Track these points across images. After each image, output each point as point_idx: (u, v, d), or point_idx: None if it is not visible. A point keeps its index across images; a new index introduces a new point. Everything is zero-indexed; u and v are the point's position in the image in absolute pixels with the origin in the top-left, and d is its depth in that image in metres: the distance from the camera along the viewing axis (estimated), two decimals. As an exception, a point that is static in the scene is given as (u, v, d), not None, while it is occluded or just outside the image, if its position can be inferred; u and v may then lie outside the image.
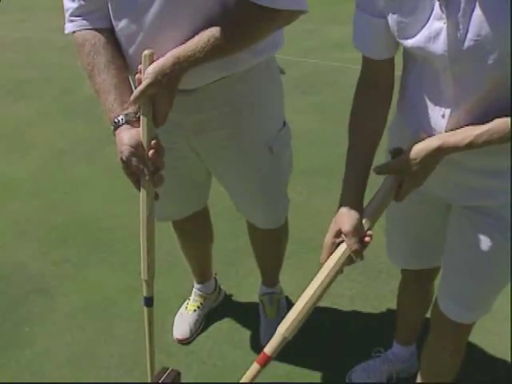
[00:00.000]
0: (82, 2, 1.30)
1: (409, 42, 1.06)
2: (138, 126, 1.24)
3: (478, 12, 0.93)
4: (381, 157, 1.27)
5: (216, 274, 2.23)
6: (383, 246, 1.58)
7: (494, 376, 1.83)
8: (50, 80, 4.79)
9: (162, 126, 1.25)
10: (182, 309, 2.15)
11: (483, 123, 1.03)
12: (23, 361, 2.01)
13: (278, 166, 1.63)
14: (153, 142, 1.23)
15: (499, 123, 1.02)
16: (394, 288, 1.82)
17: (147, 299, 1.38)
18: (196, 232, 1.99)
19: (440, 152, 1.07)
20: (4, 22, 6.79)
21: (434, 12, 0.99)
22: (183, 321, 2.09)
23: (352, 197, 1.15)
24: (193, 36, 1.21)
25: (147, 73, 1.19)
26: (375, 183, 1.19)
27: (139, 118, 1.24)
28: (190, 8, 1.22)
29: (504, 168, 1.14)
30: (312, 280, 1.12)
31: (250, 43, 1.29)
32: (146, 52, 1.20)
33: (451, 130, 1.08)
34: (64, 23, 1.35)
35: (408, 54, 1.15)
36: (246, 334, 2.07)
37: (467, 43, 0.97)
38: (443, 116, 1.10)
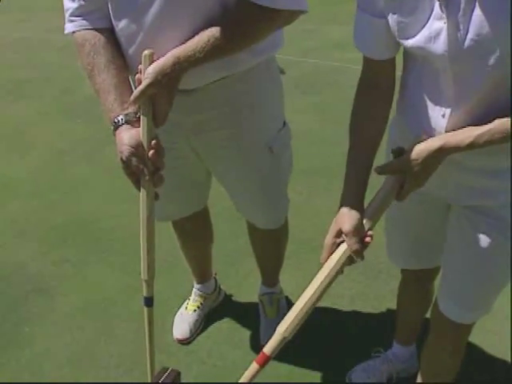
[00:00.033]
0: (82, 2, 1.30)
1: (409, 42, 1.06)
2: (138, 126, 1.24)
3: (477, 12, 0.93)
4: (381, 157, 1.27)
5: (216, 274, 2.23)
6: (383, 246, 1.58)
7: (493, 376, 1.83)
8: (49, 80, 4.79)
9: (162, 126, 1.25)
10: (182, 309, 2.15)
11: (484, 123, 1.03)
12: (23, 361, 2.01)
13: (277, 166, 1.63)
14: (153, 142, 1.23)
15: (500, 123, 1.02)
16: (393, 288, 1.82)
17: (147, 299, 1.38)
18: (196, 232, 1.99)
19: (442, 152, 1.07)
20: (4, 22, 6.79)
21: (434, 12, 0.99)
22: (183, 321, 2.09)
23: (353, 197, 1.15)
24: (193, 36, 1.21)
25: (147, 73, 1.19)
26: (376, 183, 1.19)
27: (139, 118, 1.24)
28: (190, 8, 1.22)
29: (504, 168, 1.14)
30: (312, 280, 1.12)
31: (250, 43, 1.28)
32: (146, 52, 1.20)
33: (451, 130, 1.09)
34: (64, 23, 1.35)
35: (408, 54, 1.15)
36: (246, 333, 2.07)
37: (467, 43, 0.97)
38: (443, 116, 1.10)
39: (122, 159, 1.25)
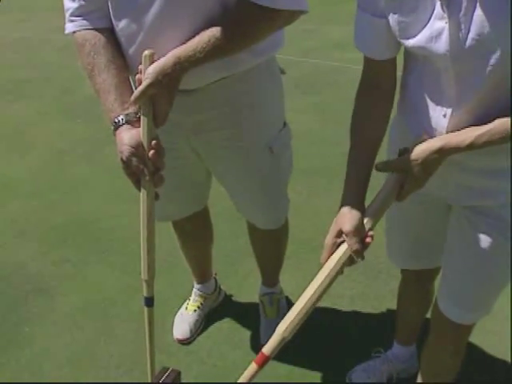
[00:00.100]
0: (83, 2, 1.30)
1: (410, 42, 1.06)
2: (139, 126, 1.24)
3: (479, 11, 0.93)
4: (382, 157, 1.27)
5: (216, 274, 2.23)
6: (383, 246, 1.58)
7: (493, 376, 1.83)
8: (49, 80, 4.79)
9: (162, 126, 1.25)
10: (182, 309, 2.15)
11: (485, 123, 1.03)
12: (23, 361, 2.01)
13: (278, 166, 1.63)
14: (153, 142, 1.23)
15: (500, 123, 1.02)
16: (393, 288, 1.82)
17: (147, 299, 1.38)
18: (196, 232, 1.99)
19: (442, 153, 1.07)
20: (4, 22, 6.79)
21: (435, 12, 0.99)
22: (183, 321, 2.09)
23: (353, 197, 1.15)
24: (193, 36, 1.21)
25: (147, 73, 1.18)
26: (376, 184, 1.19)
27: (139, 118, 1.24)
28: (191, 8, 1.22)
29: (504, 168, 1.14)
30: (312, 280, 1.12)
31: (250, 43, 1.28)
32: (147, 52, 1.20)
33: (453, 130, 1.08)
34: (64, 23, 1.35)
35: (409, 53, 1.15)
36: (246, 334, 2.06)
37: (469, 42, 0.97)
38: (445, 116, 1.10)
39: (122, 159, 1.25)
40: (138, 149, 1.22)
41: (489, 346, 1.91)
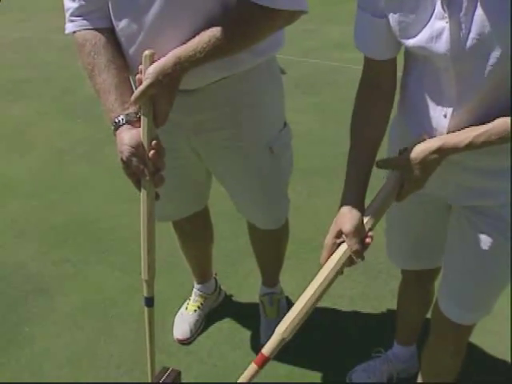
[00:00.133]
0: (83, 2, 1.30)
1: (410, 42, 1.06)
2: (139, 126, 1.24)
3: (479, 11, 0.93)
4: (382, 157, 1.27)
5: (216, 275, 2.23)
6: (383, 246, 1.58)
7: (494, 376, 1.83)
8: (49, 80, 4.79)
9: (162, 126, 1.25)
10: (183, 309, 2.15)
11: (485, 123, 1.03)
12: (23, 360, 2.01)
13: (278, 166, 1.63)
14: (153, 142, 1.23)
15: (499, 124, 1.02)
16: (393, 288, 1.82)
17: (148, 299, 1.38)
18: (196, 232, 1.99)
19: (440, 153, 1.07)
20: (4, 22, 6.79)
21: (435, 11, 0.99)
22: (183, 321, 2.09)
23: (353, 197, 1.15)
24: (193, 36, 1.21)
25: (148, 73, 1.18)
26: (376, 184, 1.19)
27: (140, 118, 1.24)
28: (191, 8, 1.22)
29: (504, 168, 1.14)
30: (312, 280, 1.12)
31: (250, 43, 1.28)
32: (147, 52, 1.20)
33: (454, 130, 1.08)
34: (64, 23, 1.35)
35: (409, 53, 1.15)
36: (247, 334, 2.06)
37: (470, 42, 0.97)
38: (445, 116, 1.10)
39: (122, 159, 1.24)
40: (138, 149, 1.22)
41: (489, 346, 1.91)
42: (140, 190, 1.27)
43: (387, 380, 1.83)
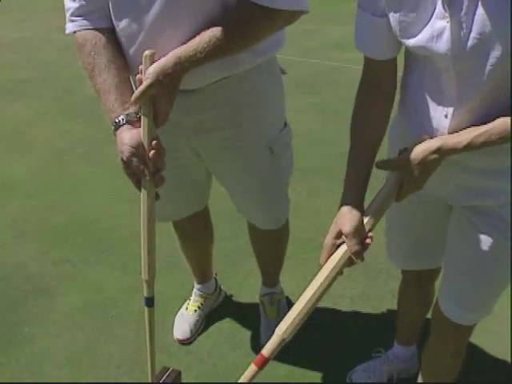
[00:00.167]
0: (83, 2, 1.30)
1: (411, 42, 1.05)
2: (139, 126, 1.24)
3: (480, 11, 0.93)
4: (382, 157, 1.27)
5: (216, 275, 2.23)
6: (383, 247, 1.58)
7: (494, 376, 1.83)
8: (49, 80, 4.79)
9: (162, 126, 1.25)
10: (183, 309, 2.15)
11: (486, 122, 1.03)
12: (23, 360, 2.01)
13: (278, 166, 1.63)
14: (153, 142, 1.23)
15: (498, 124, 1.02)
16: (394, 288, 1.82)
17: (148, 299, 1.38)
18: (196, 232, 1.99)
19: (440, 153, 1.07)
20: (4, 22, 6.79)
21: (436, 11, 0.98)
22: (184, 321, 2.09)
23: (353, 197, 1.14)
24: (194, 36, 1.21)
25: (148, 73, 1.18)
26: (376, 184, 1.19)
27: (140, 118, 1.24)
28: (191, 8, 1.22)
29: (504, 168, 1.14)
30: (312, 280, 1.12)
31: (250, 43, 1.28)
32: (147, 52, 1.20)
33: (455, 131, 1.08)
34: (64, 23, 1.35)
35: (410, 53, 1.15)
36: (247, 334, 2.06)
37: (470, 42, 0.97)
38: (446, 116, 1.10)
39: (122, 159, 1.24)
40: (138, 149, 1.22)
41: (489, 346, 1.91)
42: (140, 190, 1.27)
43: (387, 380, 1.83)
